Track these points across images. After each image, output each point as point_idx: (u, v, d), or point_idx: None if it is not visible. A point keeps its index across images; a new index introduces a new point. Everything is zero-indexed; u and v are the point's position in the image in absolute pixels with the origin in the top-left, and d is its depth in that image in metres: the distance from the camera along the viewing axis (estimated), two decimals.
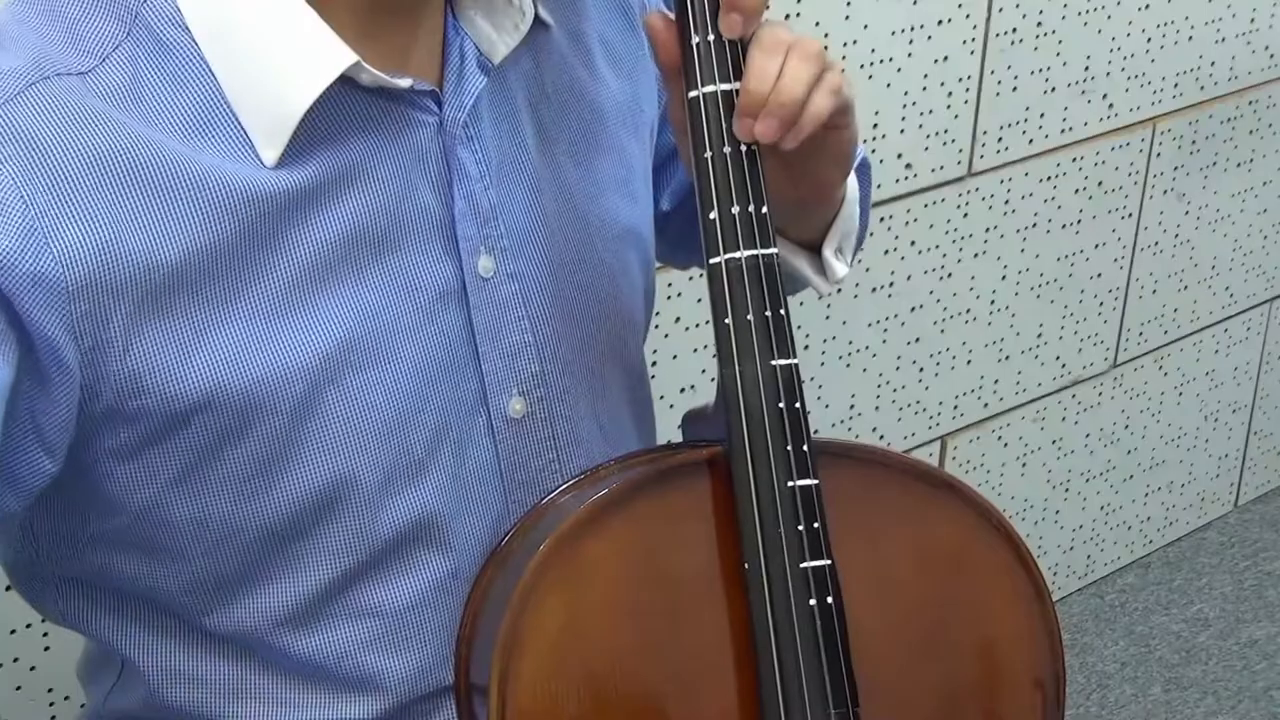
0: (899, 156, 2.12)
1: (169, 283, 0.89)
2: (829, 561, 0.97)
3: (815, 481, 0.97)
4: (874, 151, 2.08)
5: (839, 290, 1.17)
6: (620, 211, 1.11)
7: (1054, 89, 2.26)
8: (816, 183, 1.08)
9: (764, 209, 0.97)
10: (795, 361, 0.97)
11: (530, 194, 1.04)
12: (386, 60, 0.96)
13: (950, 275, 2.26)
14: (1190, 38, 2.41)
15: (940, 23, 2.08)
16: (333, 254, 0.95)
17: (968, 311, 2.31)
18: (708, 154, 0.97)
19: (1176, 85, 2.43)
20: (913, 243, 2.19)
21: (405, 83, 0.95)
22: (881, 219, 2.14)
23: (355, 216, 0.95)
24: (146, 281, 0.89)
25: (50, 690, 1.56)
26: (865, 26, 2.00)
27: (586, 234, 1.08)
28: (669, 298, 1.93)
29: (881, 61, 2.04)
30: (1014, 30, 2.17)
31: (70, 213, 0.86)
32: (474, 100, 0.99)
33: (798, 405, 0.97)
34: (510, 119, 1.04)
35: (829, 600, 0.96)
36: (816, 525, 0.96)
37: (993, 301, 2.34)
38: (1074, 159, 2.34)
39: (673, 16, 0.98)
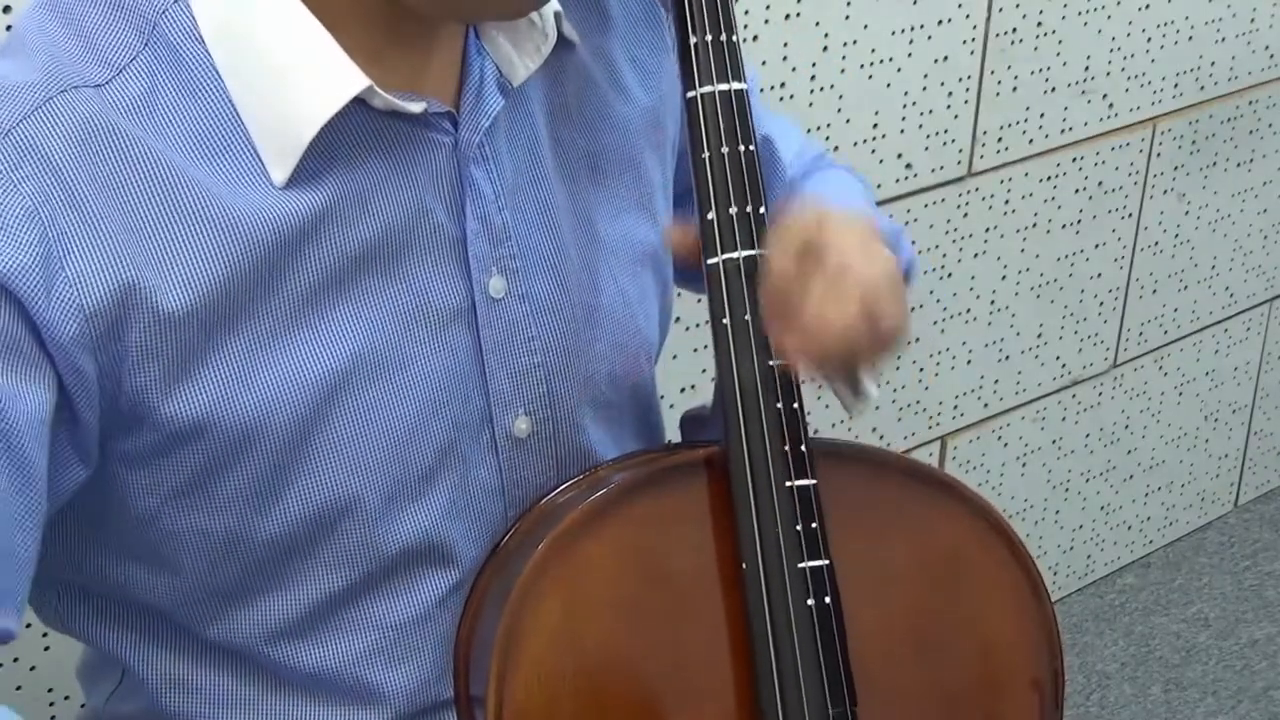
0: (899, 156, 2.12)
1: (179, 309, 0.89)
2: (827, 561, 0.97)
3: (813, 481, 0.97)
4: (874, 152, 2.08)
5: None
6: (639, 232, 1.10)
7: (1054, 89, 2.26)
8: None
9: (762, 209, 0.97)
10: None
11: (545, 214, 1.04)
12: (402, 80, 0.95)
13: (950, 275, 2.27)
14: (1190, 38, 2.41)
15: (940, 23, 2.08)
16: (342, 274, 0.95)
17: (968, 311, 2.31)
18: (705, 155, 0.97)
19: (1176, 85, 2.43)
20: (913, 243, 2.19)
21: (417, 108, 0.95)
22: None
23: (366, 237, 0.95)
24: (158, 306, 0.89)
25: (50, 690, 1.56)
26: (865, 26, 2.00)
27: (602, 255, 1.07)
28: None
29: (881, 61, 2.04)
30: (1014, 30, 2.17)
31: (87, 235, 0.87)
32: (490, 121, 0.99)
33: (796, 405, 0.97)
34: (527, 139, 1.03)
35: (827, 600, 0.97)
36: (814, 525, 0.97)
37: (993, 301, 2.34)
38: (1074, 159, 2.34)
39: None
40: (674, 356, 1.96)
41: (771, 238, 0.96)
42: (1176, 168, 2.50)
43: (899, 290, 0.99)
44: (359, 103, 0.92)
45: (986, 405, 2.41)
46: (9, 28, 1.35)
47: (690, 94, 0.97)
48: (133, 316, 0.88)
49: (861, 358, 0.99)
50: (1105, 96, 2.34)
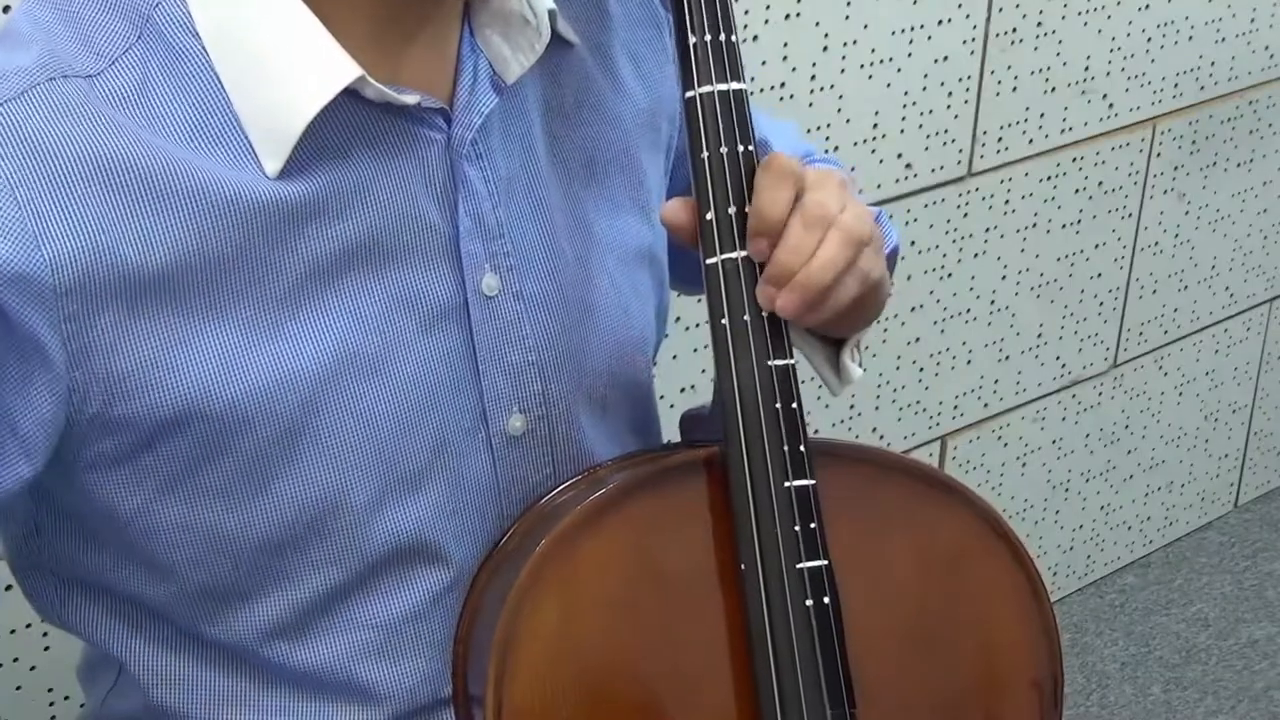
0: (899, 156, 2.12)
1: (161, 289, 0.89)
2: (826, 562, 0.97)
3: (812, 482, 0.97)
4: (874, 152, 2.08)
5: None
6: (634, 230, 1.10)
7: (1054, 89, 2.26)
8: (839, 329, 1.08)
9: None
10: (792, 362, 0.97)
11: (539, 212, 1.03)
12: (397, 75, 0.95)
13: (950, 275, 2.26)
14: (1190, 38, 2.41)
15: (940, 23, 2.08)
16: (332, 267, 0.94)
17: (968, 311, 2.31)
18: (704, 154, 0.97)
19: (1176, 85, 2.43)
20: (913, 243, 2.19)
21: (411, 99, 0.95)
22: None
23: (357, 231, 0.95)
24: (137, 287, 0.89)
25: (50, 690, 1.56)
26: (865, 26, 2.00)
27: (598, 253, 1.07)
28: None
29: (881, 61, 2.04)
30: (1014, 30, 2.17)
31: (64, 215, 0.86)
32: (482, 119, 0.99)
33: (794, 405, 0.97)
34: (522, 136, 1.03)
35: (826, 601, 0.96)
36: (813, 525, 0.96)
37: (993, 301, 2.34)
38: (1074, 159, 2.34)
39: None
40: (674, 356, 1.96)
41: (759, 172, 0.96)
42: (1176, 168, 2.50)
43: (878, 243, 1.00)
44: (352, 95, 0.92)
45: (986, 405, 2.41)
46: None
47: (689, 94, 0.97)
48: (110, 294, 0.88)
49: (846, 306, 0.98)
50: (1105, 96, 2.34)
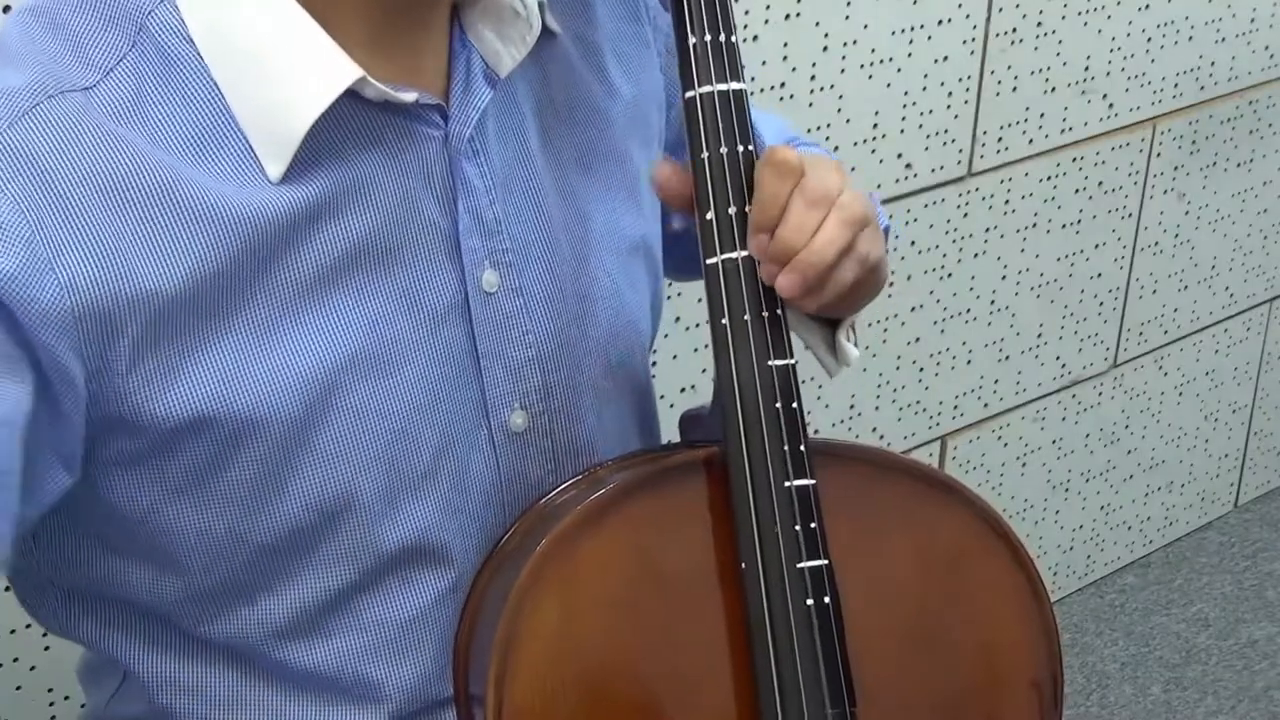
0: (899, 156, 2.12)
1: (173, 304, 0.89)
2: (826, 561, 0.97)
3: (812, 481, 0.97)
4: (874, 152, 2.08)
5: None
6: (628, 223, 1.10)
7: (1054, 89, 2.26)
8: (837, 309, 1.08)
9: None
10: (793, 362, 0.97)
11: (536, 207, 1.04)
12: (393, 73, 0.95)
13: (950, 275, 2.27)
14: (1190, 38, 2.41)
15: (940, 23, 2.08)
16: (335, 269, 0.95)
17: (968, 311, 2.31)
18: (704, 155, 0.97)
19: (1176, 85, 2.43)
20: (913, 243, 2.19)
21: (410, 97, 0.95)
22: None
23: (359, 231, 0.95)
24: (151, 304, 0.89)
25: (50, 690, 1.56)
26: (865, 26, 2.00)
27: (593, 245, 1.07)
28: (669, 297, 1.93)
29: (881, 61, 2.04)
30: (1014, 30, 2.17)
31: (75, 237, 0.86)
32: (479, 114, 0.99)
33: (795, 405, 0.97)
34: (516, 131, 1.03)
35: (826, 600, 0.97)
36: (813, 525, 0.96)
37: (993, 301, 2.34)
38: (1074, 159, 2.34)
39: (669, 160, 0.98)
40: (674, 356, 1.96)
41: (761, 161, 0.96)
42: (1176, 168, 2.50)
43: (876, 225, 1.00)
44: (351, 95, 0.92)
45: (986, 405, 2.41)
46: None
47: (689, 94, 0.97)
48: (128, 317, 0.88)
49: (846, 288, 0.98)
50: (1105, 96, 2.34)
